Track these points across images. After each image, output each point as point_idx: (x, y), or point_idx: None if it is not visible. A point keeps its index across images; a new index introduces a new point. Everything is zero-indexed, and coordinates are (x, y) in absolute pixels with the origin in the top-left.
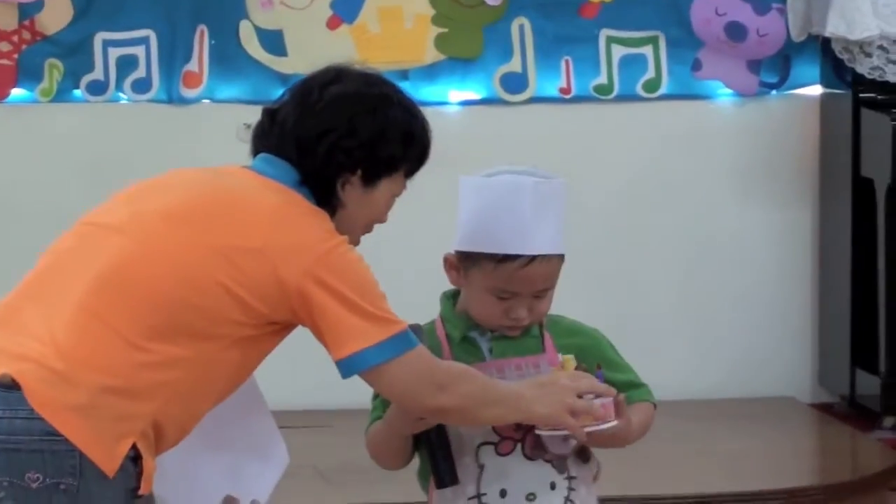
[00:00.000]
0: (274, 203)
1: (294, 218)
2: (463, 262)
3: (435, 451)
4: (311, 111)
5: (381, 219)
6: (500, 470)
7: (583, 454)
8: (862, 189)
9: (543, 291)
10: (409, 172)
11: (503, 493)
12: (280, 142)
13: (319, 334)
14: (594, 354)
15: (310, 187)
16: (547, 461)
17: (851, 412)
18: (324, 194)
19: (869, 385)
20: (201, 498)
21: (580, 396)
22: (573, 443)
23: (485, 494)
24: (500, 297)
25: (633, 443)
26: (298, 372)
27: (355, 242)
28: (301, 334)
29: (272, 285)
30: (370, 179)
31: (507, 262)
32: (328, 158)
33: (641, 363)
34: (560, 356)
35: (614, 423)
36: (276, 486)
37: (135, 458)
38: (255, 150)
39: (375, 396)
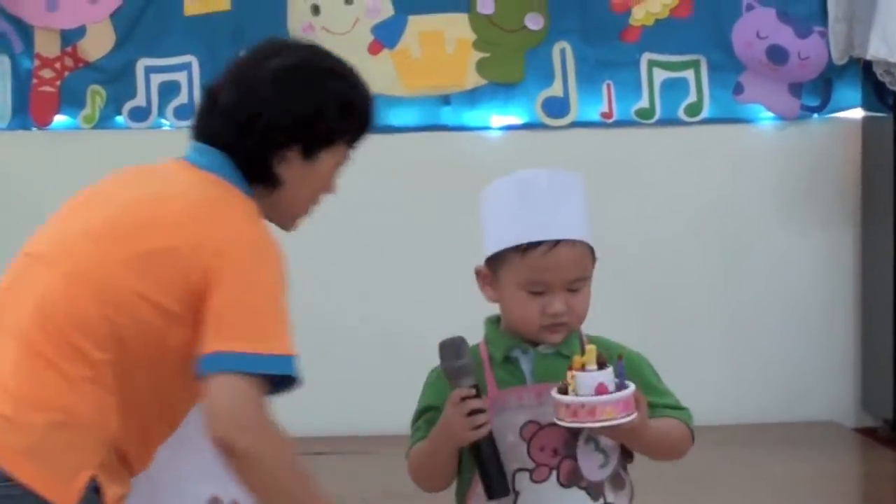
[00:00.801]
0: (197, 198)
1: (216, 211)
2: (492, 267)
3: (486, 462)
4: (249, 89)
5: (328, 189)
6: (535, 497)
7: (617, 480)
8: None
9: (576, 283)
10: (352, 142)
11: None
12: (218, 122)
13: (202, 321)
14: (631, 377)
15: (246, 169)
16: (582, 488)
17: (895, 436)
18: (261, 173)
19: None
20: (190, 499)
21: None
22: (609, 470)
23: None
24: (532, 291)
25: (657, 454)
26: (342, 398)
27: (302, 214)
28: (344, 362)
29: (185, 282)
30: (309, 153)
31: (531, 251)
32: (264, 136)
33: (681, 387)
34: (586, 345)
35: (632, 416)
36: None
37: (96, 488)
38: (196, 132)
39: (417, 417)
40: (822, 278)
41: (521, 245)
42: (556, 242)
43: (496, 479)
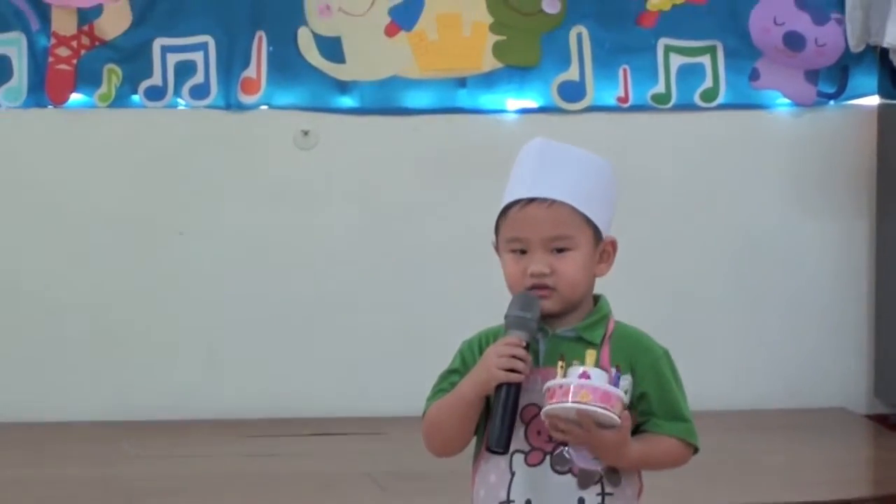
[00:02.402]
0: None
1: None
2: (496, 236)
3: (502, 410)
4: None
5: None
6: (528, 480)
7: (612, 475)
8: None
9: (557, 242)
10: None
11: None
12: None
13: None
14: (648, 372)
15: None
16: (574, 476)
17: None
18: None
19: None
20: None
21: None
22: (601, 464)
23: (513, 502)
24: (515, 250)
25: (627, 467)
26: (353, 379)
27: None
28: (354, 343)
29: None
30: None
31: (511, 208)
32: None
33: (691, 372)
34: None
35: (610, 414)
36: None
37: None
38: None
39: (442, 380)
40: (836, 265)
41: (505, 206)
42: (531, 199)
43: (502, 431)
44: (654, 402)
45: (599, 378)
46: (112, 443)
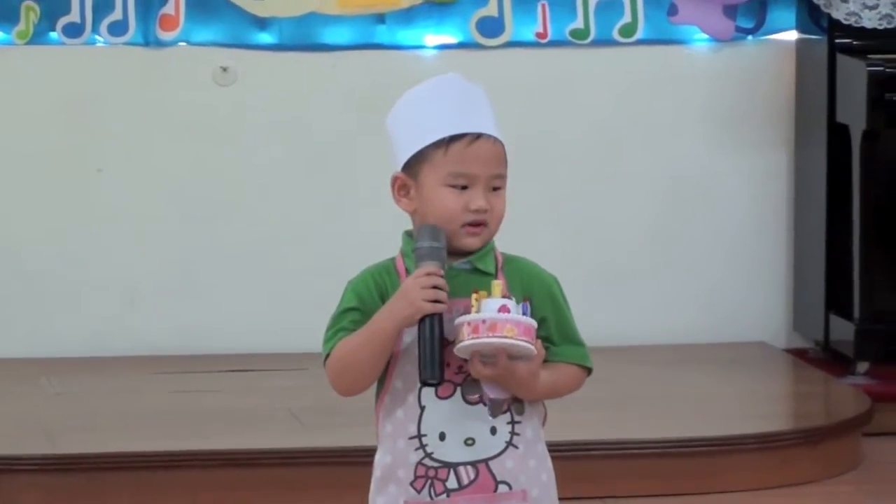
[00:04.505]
0: None
1: None
2: (412, 170)
3: (431, 342)
4: None
5: None
6: (439, 413)
7: (517, 403)
8: (837, 135)
9: (497, 180)
10: None
11: (442, 437)
12: None
13: None
14: (545, 300)
15: None
16: (485, 405)
17: (825, 358)
18: None
19: (843, 331)
20: None
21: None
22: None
23: (425, 436)
24: (456, 185)
25: (535, 398)
26: (274, 315)
27: None
28: (278, 278)
29: None
30: None
31: (455, 143)
32: None
33: (613, 308)
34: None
35: (531, 347)
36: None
37: None
38: None
39: (339, 319)
40: (755, 199)
41: (444, 139)
42: (479, 135)
43: (434, 361)
44: (552, 328)
45: (513, 305)
46: (31, 379)
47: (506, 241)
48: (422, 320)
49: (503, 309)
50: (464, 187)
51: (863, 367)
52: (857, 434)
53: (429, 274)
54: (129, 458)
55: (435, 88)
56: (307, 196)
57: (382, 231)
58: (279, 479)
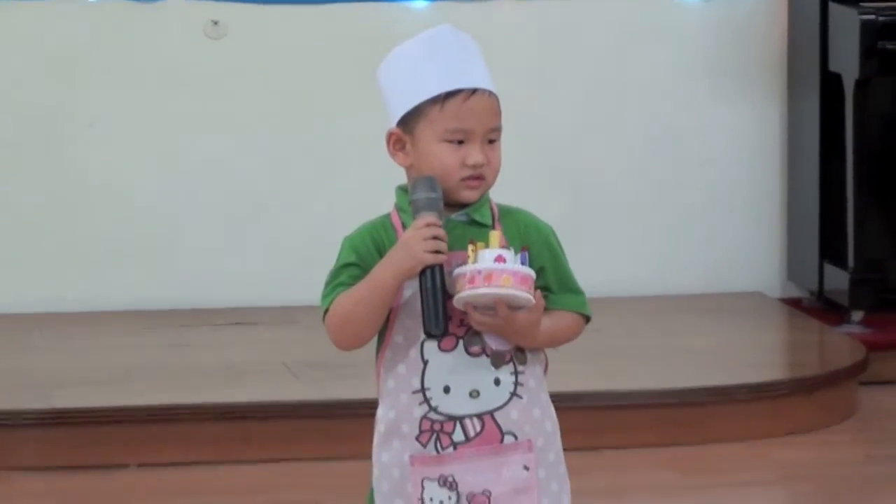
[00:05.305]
0: None
1: None
2: (407, 126)
3: (435, 293)
4: None
5: None
6: (443, 366)
7: (519, 353)
8: (830, 84)
9: (493, 133)
10: None
11: (447, 390)
12: None
13: None
14: (543, 248)
15: None
16: (488, 356)
17: (820, 307)
18: None
19: (838, 280)
20: None
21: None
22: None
23: (428, 389)
24: (453, 140)
25: (537, 347)
26: (267, 269)
27: None
28: (271, 232)
29: None
30: None
31: (451, 98)
32: None
33: (609, 259)
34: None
35: (529, 296)
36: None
37: None
38: None
39: (337, 274)
40: (748, 150)
41: (440, 95)
42: (475, 90)
43: (438, 313)
44: (550, 277)
45: (509, 255)
46: (24, 334)
47: (500, 193)
48: (422, 272)
49: (499, 259)
50: (460, 142)
51: (857, 315)
52: (853, 383)
53: (428, 224)
54: (124, 411)
55: (428, 42)
56: (299, 149)
57: (375, 183)
58: (273, 432)
